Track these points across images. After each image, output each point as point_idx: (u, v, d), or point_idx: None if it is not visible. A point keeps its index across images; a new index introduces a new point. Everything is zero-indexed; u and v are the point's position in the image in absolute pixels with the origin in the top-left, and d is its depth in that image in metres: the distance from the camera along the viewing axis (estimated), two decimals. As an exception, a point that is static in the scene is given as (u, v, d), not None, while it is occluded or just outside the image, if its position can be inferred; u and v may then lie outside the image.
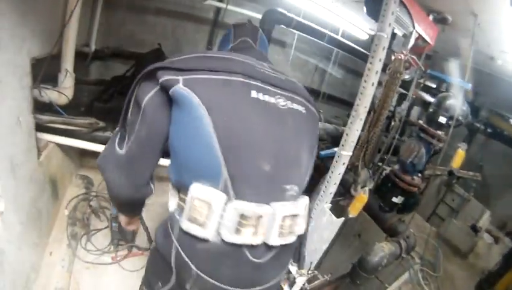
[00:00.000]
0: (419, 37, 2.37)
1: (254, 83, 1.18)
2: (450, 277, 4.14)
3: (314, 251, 1.96)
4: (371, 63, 1.66)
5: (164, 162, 3.03)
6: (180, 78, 1.08)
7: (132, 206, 1.50)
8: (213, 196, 1.09)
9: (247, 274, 1.20)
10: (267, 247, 1.20)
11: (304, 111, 1.31)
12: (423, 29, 2.31)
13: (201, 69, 1.11)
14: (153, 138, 1.20)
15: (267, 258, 1.22)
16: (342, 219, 1.86)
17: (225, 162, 1.08)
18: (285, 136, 1.21)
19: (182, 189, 1.24)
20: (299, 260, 1.97)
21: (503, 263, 3.78)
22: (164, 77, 1.08)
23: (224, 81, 1.12)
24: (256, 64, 1.25)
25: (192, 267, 1.14)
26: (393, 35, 2.25)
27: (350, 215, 2.34)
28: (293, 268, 1.97)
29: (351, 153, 1.78)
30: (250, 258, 1.17)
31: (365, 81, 1.68)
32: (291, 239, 1.26)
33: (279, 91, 1.24)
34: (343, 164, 1.78)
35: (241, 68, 1.17)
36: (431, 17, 2.45)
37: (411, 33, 2.26)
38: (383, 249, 2.62)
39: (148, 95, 1.13)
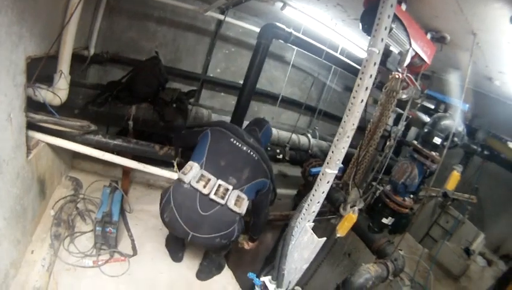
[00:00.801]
0: (416, 55, 2.34)
1: (236, 138, 2.53)
2: (440, 300, 4.06)
3: (294, 269, 1.91)
4: (360, 78, 1.61)
5: (155, 171, 3.02)
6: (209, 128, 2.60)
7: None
8: (194, 165, 2.39)
9: (194, 220, 2.30)
10: (209, 204, 2.30)
11: (256, 158, 2.54)
12: (420, 48, 2.29)
13: (221, 126, 2.62)
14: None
15: (207, 214, 2.29)
16: (324, 238, 1.81)
17: (206, 155, 2.43)
18: (237, 158, 2.49)
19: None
20: (277, 277, 1.92)
21: (495, 287, 3.71)
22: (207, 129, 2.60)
23: (223, 131, 2.56)
24: (245, 135, 2.60)
25: (172, 203, 2.33)
26: (389, 52, 2.24)
27: (338, 235, 2.30)
28: (271, 286, 1.93)
29: (335, 172, 1.74)
30: (199, 210, 2.29)
31: (354, 98, 1.64)
32: (220, 201, 2.30)
33: (246, 146, 2.53)
34: (328, 182, 1.74)
35: (235, 132, 2.58)
36: (429, 36, 2.42)
37: (407, 51, 2.23)
38: (368, 271, 2.56)
39: (203, 133, 2.58)
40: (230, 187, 2.34)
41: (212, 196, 2.28)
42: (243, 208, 2.36)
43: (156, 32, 4.46)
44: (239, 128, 2.67)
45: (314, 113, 5.88)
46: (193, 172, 2.33)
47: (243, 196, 2.38)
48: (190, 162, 2.40)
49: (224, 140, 2.50)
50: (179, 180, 2.36)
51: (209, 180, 2.31)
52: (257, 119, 3.09)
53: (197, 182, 2.29)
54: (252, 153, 2.50)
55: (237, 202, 2.33)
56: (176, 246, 2.94)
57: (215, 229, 2.33)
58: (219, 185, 2.32)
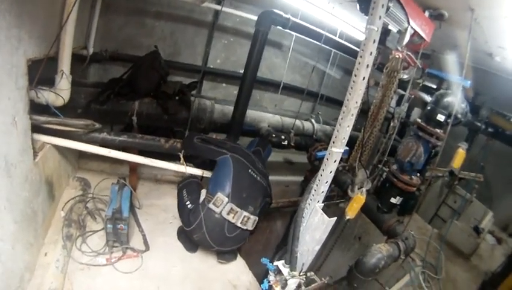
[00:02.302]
0: (415, 33, 2.34)
1: (253, 168, 3.05)
2: (452, 279, 4.07)
3: (306, 251, 1.92)
4: (361, 56, 1.62)
5: (162, 164, 3.04)
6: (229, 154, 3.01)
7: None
8: (224, 199, 2.80)
9: (221, 240, 2.84)
10: (234, 228, 2.85)
11: (265, 185, 3.11)
12: (419, 26, 2.29)
13: (238, 153, 3.05)
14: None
15: (231, 236, 2.85)
16: (334, 218, 1.82)
17: (232, 188, 2.84)
18: (254, 189, 3.00)
19: (209, 192, 2.89)
20: (290, 261, 1.93)
21: (506, 264, 3.72)
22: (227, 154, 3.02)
23: (242, 161, 3.00)
24: (256, 162, 3.15)
25: (204, 229, 2.77)
26: (388, 31, 2.23)
27: (347, 217, 2.30)
28: (284, 270, 1.94)
29: (342, 150, 1.74)
30: (226, 233, 2.83)
31: (355, 76, 1.64)
32: (243, 227, 2.88)
33: (260, 175, 3.07)
34: (335, 161, 1.74)
35: (250, 161, 3.08)
36: (427, 14, 2.42)
37: (406, 29, 2.23)
38: (380, 251, 2.56)
39: (223, 157, 3.01)
40: (251, 216, 2.90)
41: (238, 225, 2.84)
42: (254, 225, 2.99)
43: (153, 27, 4.44)
44: (251, 155, 3.21)
45: (317, 99, 5.86)
46: (223, 205, 2.79)
47: (256, 218, 2.96)
48: (220, 195, 2.81)
49: (244, 172, 2.99)
50: (210, 209, 2.79)
51: (236, 212, 2.81)
52: (260, 140, 3.76)
53: (228, 214, 2.78)
54: (263, 181, 3.08)
55: (252, 224, 2.95)
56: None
57: (235, 243, 2.96)
58: (244, 216, 2.85)
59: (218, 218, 2.78)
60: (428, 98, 3.44)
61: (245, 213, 2.84)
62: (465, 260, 4.42)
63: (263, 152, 3.56)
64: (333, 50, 4.53)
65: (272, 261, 2.10)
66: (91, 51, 3.63)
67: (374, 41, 1.62)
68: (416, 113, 3.73)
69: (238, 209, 2.82)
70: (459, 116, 3.08)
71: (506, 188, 5.24)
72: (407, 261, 3.64)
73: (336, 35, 4.08)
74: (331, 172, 1.77)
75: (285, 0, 3.33)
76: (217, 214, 2.77)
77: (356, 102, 1.68)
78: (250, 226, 2.91)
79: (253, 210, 2.91)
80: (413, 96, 3.32)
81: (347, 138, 1.74)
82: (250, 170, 3.01)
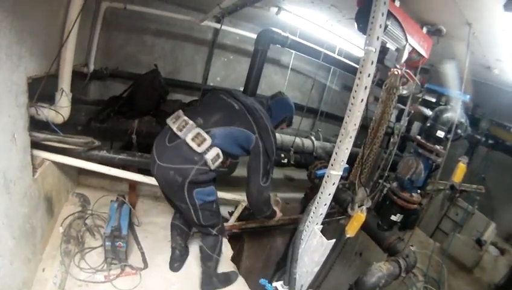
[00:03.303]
0: (413, 50, 2.34)
1: (228, 94, 2.53)
2: (455, 293, 4.02)
3: (305, 273, 1.91)
4: (359, 78, 1.61)
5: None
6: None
7: None
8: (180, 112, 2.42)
9: (160, 150, 2.34)
10: (174, 137, 2.30)
11: (237, 107, 2.41)
12: (417, 42, 2.28)
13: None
14: None
15: (170, 145, 2.30)
16: (333, 240, 1.80)
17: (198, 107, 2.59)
18: (215, 105, 2.47)
19: None
20: (289, 282, 1.92)
21: (510, 276, 3.68)
22: None
23: (219, 92, 2.60)
24: (241, 95, 2.56)
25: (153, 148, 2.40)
26: (386, 49, 2.24)
27: (347, 235, 2.29)
28: (284, 291, 1.92)
29: (341, 173, 1.73)
30: (166, 142, 2.32)
31: (353, 98, 1.63)
32: (178, 133, 2.29)
33: (234, 100, 2.46)
34: (333, 184, 1.73)
35: (230, 91, 2.57)
36: (425, 30, 2.42)
37: (404, 47, 2.23)
38: (380, 269, 2.54)
39: None
40: (191, 122, 2.29)
41: (174, 129, 2.31)
42: (203, 148, 2.22)
43: (153, 45, 4.49)
44: (239, 92, 2.70)
45: (317, 115, 5.88)
46: (174, 115, 2.43)
47: (205, 136, 2.24)
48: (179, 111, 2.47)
49: (214, 96, 2.58)
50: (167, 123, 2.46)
51: (179, 117, 2.36)
52: (274, 95, 2.92)
53: (172, 121, 2.37)
54: (235, 104, 2.43)
55: (195, 138, 2.23)
56: (174, 254, 2.94)
57: (170, 159, 2.27)
58: (183, 121, 2.32)
59: (166, 127, 2.43)
60: (428, 111, 3.44)
61: (187, 119, 2.33)
62: (467, 273, 4.37)
63: (270, 100, 2.78)
64: (332, 67, 4.55)
65: (270, 282, 2.08)
66: (92, 68, 3.67)
67: (372, 62, 1.61)
68: (416, 127, 3.73)
69: (181, 115, 2.38)
70: (459, 131, 3.07)
71: (508, 198, 5.21)
72: (409, 277, 3.60)
73: (334, 52, 4.10)
74: (329, 194, 1.75)
75: (284, 18, 3.36)
76: (166, 125, 2.43)
77: (355, 124, 1.68)
78: (190, 139, 2.23)
79: (201, 122, 2.30)
80: (413, 111, 3.32)
81: (345, 160, 1.73)
82: (222, 95, 2.53)
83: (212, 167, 2.28)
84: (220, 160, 2.30)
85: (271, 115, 2.63)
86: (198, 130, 2.25)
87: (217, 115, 2.36)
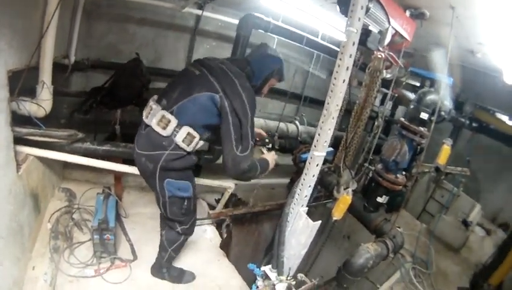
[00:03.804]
0: (396, 33, 2.35)
1: (195, 64, 2.31)
2: (443, 273, 4.11)
3: (293, 256, 1.92)
4: (340, 59, 1.60)
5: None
6: None
7: None
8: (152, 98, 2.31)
9: (137, 140, 2.30)
10: (146, 125, 2.23)
11: (197, 73, 2.17)
12: (400, 25, 2.30)
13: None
14: None
15: (143, 132, 2.25)
16: (319, 222, 1.82)
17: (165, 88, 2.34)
18: (178, 81, 2.28)
19: None
20: (277, 265, 1.93)
21: (496, 255, 3.76)
22: None
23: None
24: (208, 60, 2.31)
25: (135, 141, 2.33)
26: (368, 32, 2.24)
27: (334, 218, 2.31)
28: (272, 274, 1.94)
29: (324, 154, 1.74)
30: (142, 131, 2.28)
31: (335, 78, 1.62)
32: (145, 120, 2.22)
33: (199, 67, 2.21)
34: (317, 165, 1.74)
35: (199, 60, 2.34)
36: (408, 13, 2.43)
37: (387, 29, 2.24)
38: (368, 251, 2.58)
39: None
40: (155, 106, 2.17)
41: (143, 117, 2.26)
42: (168, 131, 2.09)
43: (135, 33, 4.42)
44: (212, 58, 2.39)
45: (300, 101, 5.90)
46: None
47: (169, 117, 2.09)
48: None
49: (182, 71, 2.44)
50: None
51: (148, 104, 2.26)
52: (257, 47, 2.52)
53: (144, 110, 2.28)
54: (196, 70, 2.20)
55: (160, 122, 2.10)
56: None
57: (144, 146, 2.22)
58: (149, 106, 2.22)
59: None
60: (412, 95, 3.48)
61: (150, 103, 2.23)
62: (455, 253, 4.47)
63: (252, 56, 2.43)
64: (315, 52, 4.54)
65: (259, 267, 2.10)
66: (73, 59, 3.58)
67: (354, 43, 1.60)
68: (400, 111, 3.77)
69: (150, 101, 2.27)
70: (443, 113, 3.11)
71: (493, 180, 5.34)
72: (397, 258, 3.67)
73: (318, 37, 4.10)
74: (313, 176, 1.76)
75: (266, 4, 3.34)
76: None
77: (337, 105, 1.67)
78: (155, 124, 2.12)
79: (165, 104, 2.16)
80: (396, 94, 3.35)
81: (329, 141, 1.74)
82: (189, 66, 2.33)
83: (189, 149, 2.16)
84: (197, 139, 2.15)
85: (254, 74, 2.33)
86: (162, 112, 2.11)
87: (177, 91, 2.17)
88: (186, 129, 2.10)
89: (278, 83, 2.54)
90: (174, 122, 2.08)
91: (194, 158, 2.28)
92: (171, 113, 2.10)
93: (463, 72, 3.58)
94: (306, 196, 1.81)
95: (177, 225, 2.49)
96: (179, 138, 2.10)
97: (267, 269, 2.02)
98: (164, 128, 2.09)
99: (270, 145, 2.83)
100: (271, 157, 2.47)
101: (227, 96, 2.04)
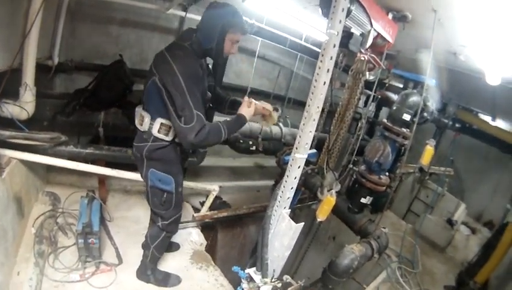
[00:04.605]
0: (378, 35, 2.38)
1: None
2: (429, 272, 4.17)
3: (276, 257, 1.93)
4: (321, 61, 1.63)
5: (130, 175, 2.98)
6: None
7: None
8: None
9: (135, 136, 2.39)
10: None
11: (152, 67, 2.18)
12: (382, 28, 2.32)
13: None
14: None
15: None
16: (302, 224, 1.83)
17: None
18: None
19: None
20: (261, 267, 1.94)
21: (482, 253, 3.83)
22: None
23: None
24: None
25: None
26: (350, 34, 2.27)
27: (319, 219, 2.33)
28: (256, 277, 1.94)
29: (305, 156, 1.76)
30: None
31: (316, 81, 1.65)
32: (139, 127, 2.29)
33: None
34: (299, 167, 1.76)
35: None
36: (390, 16, 2.46)
37: (369, 32, 2.26)
38: (353, 251, 2.60)
39: None
40: (137, 108, 2.36)
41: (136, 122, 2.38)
42: (145, 126, 2.25)
43: (119, 35, 4.38)
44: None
45: (284, 102, 5.91)
46: None
47: (143, 113, 2.26)
48: None
49: None
50: None
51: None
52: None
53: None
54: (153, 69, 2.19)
55: (139, 120, 2.31)
56: None
57: (135, 140, 2.38)
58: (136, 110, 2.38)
59: None
60: (395, 97, 3.51)
61: (138, 106, 2.39)
62: (440, 252, 4.56)
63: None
64: (299, 54, 4.57)
65: (243, 269, 2.10)
66: (56, 61, 3.54)
67: (334, 45, 1.62)
68: (384, 112, 3.81)
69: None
70: (425, 114, 3.15)
71: (477, 179, 5.45)
72: (383, 258, 3.70)
73: (301, 39, 4.12)
74: (295, 178, 1.78)
75: (250, 6, 3.35)
76: None
77: (318, 107, 1.70)
78: (138, 123, 2.32)
79: (143, 103, 2.33)
80: (379, 96, 3.38)
81: (310, 143, 1.76)
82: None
83: (168, 138, 2.26)
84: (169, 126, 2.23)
85: (203, 38, 2.16)
86: (140, 111, 2.30)
87: (145, 90, 2.26)
88: (159, 121, 2.21)
89: (242, 36, 2.26)
90: (147, 117, 2.24)
91: (178, 149, 2.36)
92: (146, 110, 2.26)
93: (446, 73, 3.63)
94: (288, 198, 1.83)
95: (159, 219, 2.52)
96: (155, 130, 2.23)
97: (251, 271, 2.02)
98: (141, 124, 2.28)
99: (254, 148, 2.77)
100: (245, 109, 2.31)
101: (160, 75, 2.07)
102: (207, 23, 2.14)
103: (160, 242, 2.60)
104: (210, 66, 2.52)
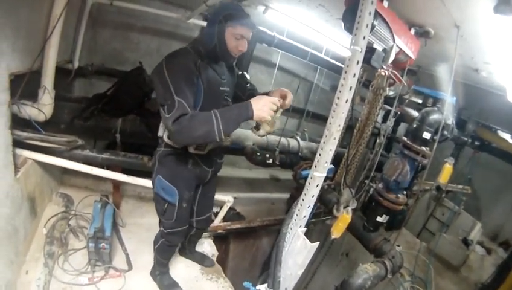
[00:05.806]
0: (401, 51, 2.33)
1: None
2: (442, 292, 4.06)
3: (289, 276, 1.89)
4: (344, 78, 1.57)
5: (144, 183, 2.97)
6: None
7: None
8: None
9: None
10: None
11: None
12: (404, 44, 2.27)
13: None
14: None
15: None
16: (317, 243, 1.79)
17: None
18: None
19: None
20: (273, 285, 1.90)
21: (497, 275, 3.72)
22: None
23: None
24: None
25: None
26: (373, 50, 2.23)
27: (333, 236, 2.28)
28: (267, 294, 1.91)
29: (324, 175, 1.71)
30: None
31: (338, 98, 1.59)
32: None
33: None
34: (317, 185, 1.71)
35: None
36: (412, 31, 2.41)
37: (391, 48, 2.21)
38: (366, 271, 2.54)
39: None
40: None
41: None
42: (161, 132, 2.27)
43: (139, 42, 4.43)
44: None
45: (303, 115, 5.87)
46: None
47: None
48: None
49: None
50: None
51: None
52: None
53: None
54: None
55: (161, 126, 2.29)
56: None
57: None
58: None
59: None
60: (415, 113, 3.45)
61: None
62: (454, 272, 4.42)
63: None
64: (319, 67, 4.53)
65: (255, 285, 2.06)
66: (76, 65, 3.60)
67: (358, 62, 1.58)
68: (403, 128, 3.74)
69: None
70: (446, 132, 3.07)
71: (494, 198, 5.31)
72: (396, 277, 3.62)
73: (321, 52, 4.10)
74: (313, 196, 1.73)
75: (271, 18, 3.35)
76: None
77: (339, 125, 1.65)
78: (160, 133, 2.31)
79: None
80: (399, 112, 3.32)
81: (329, 161, 1.71)
82: None
83: (176, 145, 2.20)
84: None
85: (206, 37, 2.09)
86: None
87: None
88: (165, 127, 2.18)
89: (247, 30, 2.04)
90: (161, 122, 2.22)
91: (191, 161, 2.29)
92: None
93: (466, 89, 3.56)
94: (305, 217, 1.78)
95: (161, 224, 2.51)
96: (165, 136, 2.22)
97: (262, 287, 1.99)
98: (159, 129, 2.29)
99: (271, 160, 2.71)
100: (262, 101, 1.90)
101: (151, 75, 2.01)
102: (208, 23, 2.10)
103: (159, 247, 2.59)
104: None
